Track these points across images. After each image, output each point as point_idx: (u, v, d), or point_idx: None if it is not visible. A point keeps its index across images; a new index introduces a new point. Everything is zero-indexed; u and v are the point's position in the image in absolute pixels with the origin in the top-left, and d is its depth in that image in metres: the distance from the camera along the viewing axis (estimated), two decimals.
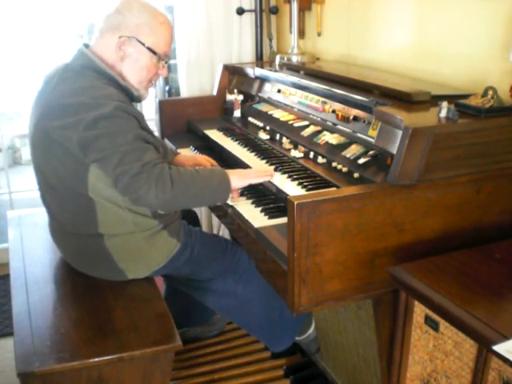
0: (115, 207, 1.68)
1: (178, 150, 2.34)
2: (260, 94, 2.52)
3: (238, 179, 1.74)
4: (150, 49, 1.72)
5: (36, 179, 1.79)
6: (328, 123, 1.98)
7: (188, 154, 2.27)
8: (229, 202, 1.79)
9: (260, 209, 1.73)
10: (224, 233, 3.10)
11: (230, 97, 2.63)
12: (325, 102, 2.04)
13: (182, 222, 1.89)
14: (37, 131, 1.67)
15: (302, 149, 1.96)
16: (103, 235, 1.71)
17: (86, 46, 1.76)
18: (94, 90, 1.61)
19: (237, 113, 2.59)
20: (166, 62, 1.81)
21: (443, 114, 1.54)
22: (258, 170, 1.84)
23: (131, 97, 1.77)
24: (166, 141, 2.57)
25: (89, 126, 1.55)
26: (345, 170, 1.71)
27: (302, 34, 2.88)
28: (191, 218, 2.23)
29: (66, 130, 1.58)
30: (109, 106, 1.57)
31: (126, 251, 1.74)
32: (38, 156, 1.72)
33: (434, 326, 1.28)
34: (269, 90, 2.47)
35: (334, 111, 1.96)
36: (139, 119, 1.66)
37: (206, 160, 2.10)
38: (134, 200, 1.60)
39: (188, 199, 1.66)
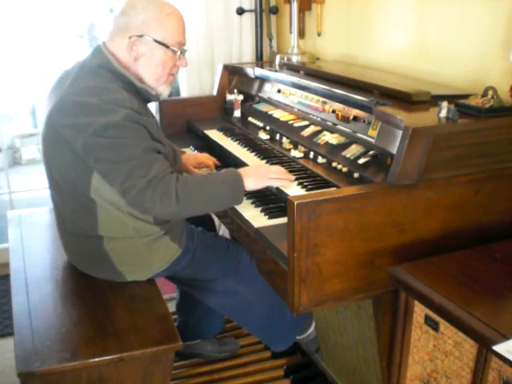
0: (116, 211, 1.67)
1: None
2: (260, 94, 2.52)
3: (254, 182, 1.71)
4: (161, 43, 1.68)
5: (45, 174, 1.78)
6: (328, 123, 1.98)
7: (189, 153, 2.27)
8: None
9: (260, 209, 1.73)
10: (224, 233, 3.10)
11: (230, 97, 2.63)
12: (325, 102, 2.04)
13: (184, 225, 1.88)
14: (47, 125, 1.67)
15: (302, 149, 1.96)
16: (103, 238, 1.71)
17: (104, 43, 1.72)
18: (107, 92, 1.58)
19: (237, 113, 2.59)
20: (181, 52, 1.75)
21: (443, 113, 1.54)
22: (278, 172, 1.75)
23: (148, 98, 1.75)
24: None
25: (97, 132, 1.54)
26: (345, 170, 1.71)
27: (302, 34, 2.88)
28: (206, 223, 2.19)
29: (74, 131, 1.57)
30: (119, 113, 1.54)
31: (125, 255, 1.74)
32: (47, 150, 1.71)
33: (434, 326, 1.28)
34: (269, 90, 2.47)
35: (334, 111, 1.96)
36: (149, 128, 1.62)
37: (207, 158, 2.11)
38: (141, 211, 1.62)
39: (196, 209, 1.65)
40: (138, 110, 1.62)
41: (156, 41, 1.67)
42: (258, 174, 1.73)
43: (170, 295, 2.70)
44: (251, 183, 1.70)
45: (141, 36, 1.66)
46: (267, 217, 1.68)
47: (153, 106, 2.82)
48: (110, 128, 1.54)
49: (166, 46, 1.69)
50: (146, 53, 1.68)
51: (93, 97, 1.57)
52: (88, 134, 1.54)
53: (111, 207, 1.67)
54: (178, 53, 1.73)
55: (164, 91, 1.78)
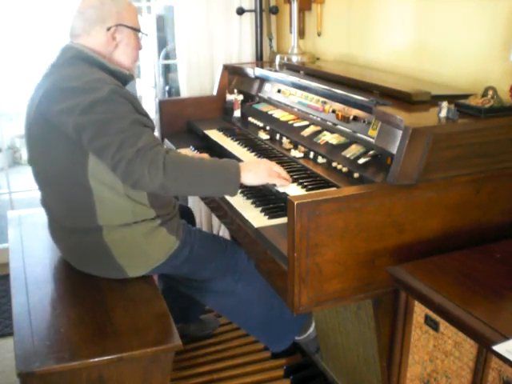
0: (113, 196, 1.69)
1: (178, 150, 2.34)
2: (260, 94, 2.52)
3: (253, 177, 1.69)
4: (134, 28, 1.82)
5: (34, 178, 1.79)
6: (328, 123, 1.98)
7: (189, 153, 2.27)
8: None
9: (260, 209, 1.73)
10: (224, 233, 3.10)
11: (230, 97, 2.63)
12: (325, 102, 2.04)
13: (179, 218, 1.89)
14: (35, 120, 1.69)
15: (302, 149, 1.96)
16: (102, 229, 1.72)
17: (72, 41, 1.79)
18: (87, 75, 1.65)
19: (237, 113, 2.59)
20: (142, 35, 1.90)
21: (443, 113, 1.54)
22: (279, 171, 1.73)
23: (124, 80, 1.81)
24: (166, 141, 2.58)
25: (85, 110, 1.57)
26: (345, 170, 1.71)
27: (302, 33, 2.88)
28: (187, 216, 2.22)
29: (63, 115, 1.61)
30: (104, 89, 1.60)
31: (125, 246, 1.74)
32: (36, 150, 1.74)
33: (434, 326, 1.28)
34: (269, 90, 2.47)
35: (334, 111, 1.96)
36: (134, 103, 1.67)
37: None
38: (132, 185, 1.60)
39: (183, 185, 1.63)
40: (120, 85, 1.69)
41: (130, 27, 1.81)
42: (258, 169, 1.70)
43: None
44: (250, 178, 1.69)
45: (117, 26, 1.77)
46: (267, 217, 1.67)
47: (153, 106, 2.82)
48: (96, 104, 1.58)
49: (138, 31, 1.85)
50: (123, 40, 1.80)
51: (75, 81, 1.63)
52: (76, 114, 1.58)
53: (108, 193, 1.68)
54: (143, 36, 1.89)
55: (134, 71, 1.94)
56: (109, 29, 1.75)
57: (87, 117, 1.57)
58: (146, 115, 1.72)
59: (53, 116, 1.63)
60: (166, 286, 2.27)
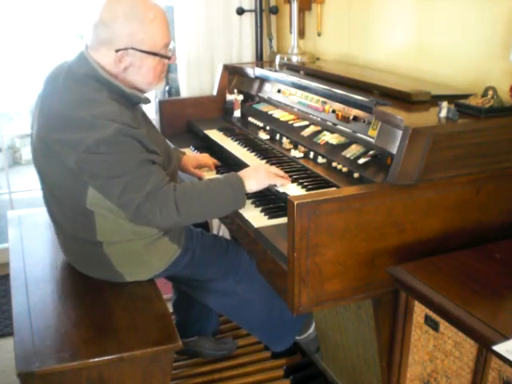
0: (115, 217, 1.65)
1: (180, 150, 2.34)
2: (260, 94, 2.52)
3: (255, 183, 1.71)
4: (149, 52, 1.63)
5: (38, 179, 1.78)
6: (328, 123, 1.98)
7: (189, 154, 2.27)
8: None
9: (260, 209, 1.73)
10: (224, 233, 3.10)
11: (229, 97, 2.63)
12: (325, 102, 2.04)
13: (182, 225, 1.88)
14: (38, 138, 1.65)
15: (302, 149, 1.96)
16: (102, 242, 1.71)
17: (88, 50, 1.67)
18: (96, 105, 1.55)
19: (237, 113, 2.59)
20: (171, 53, 1.72)
21: (443, 113, 1.54)
22: (277, 171, 1.76)
23: (139, 102, 1.73)
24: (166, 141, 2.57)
25: (89, 148, 1.52)
26: (345, 170, 1.71)
27: (302, 33, 2.88)
28: (202, 225, 2.21)
29: (65, 147, 1.55)
30: (110, 128, 1.52)
31: (125, 257, 1.73)
32: (39, 159, 1.70)
33: (434, 326, 1.28)
34: (269, 90, 2.47)
35: (334, 111, 1.96)
36: (142, 140, 1.59)
37: (208, 159, 2.11)
38: (144, 224, 1.62)
39: (198, 216, 1.67)
40: (128, 121, 1.57)
41: (143, 51, 1.62)
42: (258, 175, 1.73)
43: (170, 295, 2.69)
44: (252, 185, 1.71)
45: (127, 49, 1.60)
46: (267, 217, 1.67)
47: (153, 106, 2.82)
48: (102, 144, 1.52)
49: (155, 54, 1.65)
50: (134, 63, 1.63)
51: (82, 111, 1.54)
52: (80, 150, 1.52)
53: (109, 214, 1.65)
54: (167, 56, 1.70)
55: (159, 88, 1.79)
56: (117, 51, 1.60)
57: (91, 156, 1.52)
58: (154, 151, 1.64)
59: (53, 143, 1.58)
60: (178, 299, 2.27)
